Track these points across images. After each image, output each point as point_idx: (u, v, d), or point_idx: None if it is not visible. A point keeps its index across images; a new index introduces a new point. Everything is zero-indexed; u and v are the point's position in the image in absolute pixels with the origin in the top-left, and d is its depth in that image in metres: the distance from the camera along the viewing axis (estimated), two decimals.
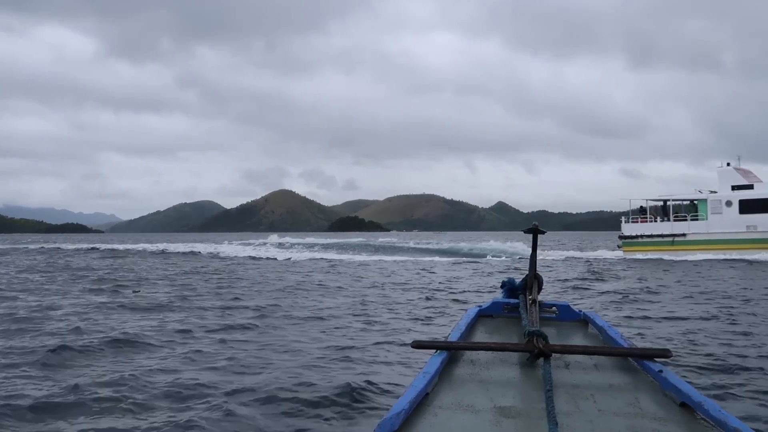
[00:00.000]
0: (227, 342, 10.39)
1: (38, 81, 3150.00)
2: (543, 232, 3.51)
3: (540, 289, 3.42)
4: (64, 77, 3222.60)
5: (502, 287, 3.63)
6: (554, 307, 3.40)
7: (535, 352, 2.48)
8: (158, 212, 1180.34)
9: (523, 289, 3.43)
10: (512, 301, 3.43)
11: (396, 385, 7.34)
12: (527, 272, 3.46)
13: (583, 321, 3.30)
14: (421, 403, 2.11)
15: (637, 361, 2.54)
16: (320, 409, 6.57)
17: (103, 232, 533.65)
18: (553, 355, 2.50)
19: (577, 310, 3.38)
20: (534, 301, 3.24)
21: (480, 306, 3.48)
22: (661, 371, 2.31)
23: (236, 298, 17.31)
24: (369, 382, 7.41)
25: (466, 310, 3.48)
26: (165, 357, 9.12)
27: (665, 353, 2.47)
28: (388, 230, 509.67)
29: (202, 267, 34.12)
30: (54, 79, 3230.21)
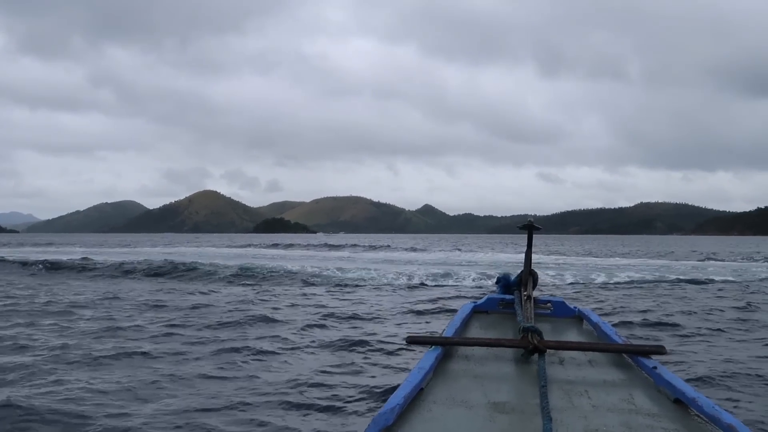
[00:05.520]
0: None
1: None
2: (539, 229, 3.54)
3: (535, 285, 3.44)
4: None
5: (497, 283, 3.64)
6: (549, 304, 3.43)
7: (530, 348, 2.48)
8: (78, 212, 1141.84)
9: (518, 285, 3.45)
10: (507, 297, 3.44)
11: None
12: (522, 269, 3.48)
13: (578, 317, 3.33)
14: (416, 398, 2.10)
15: (631, 357, 2.56)
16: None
17: (18, 232, 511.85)
18: (548, 351, 2.50)
19: (572, 307, 3.41)
20: (529, 297, 3.26)
21: (475, 302, 3.48)
22: (655, 368, 2.33)
23: None
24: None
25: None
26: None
27: (660, 350, 2.51)
28: (315, 232, 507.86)
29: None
30: None
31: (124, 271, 27.57)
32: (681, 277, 24.27)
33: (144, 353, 9.17)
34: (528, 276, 3.43)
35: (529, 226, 3.52)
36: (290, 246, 67.51)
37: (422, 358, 2.40)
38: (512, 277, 3.53)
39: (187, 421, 6.02)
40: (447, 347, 2.60)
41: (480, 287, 21.16)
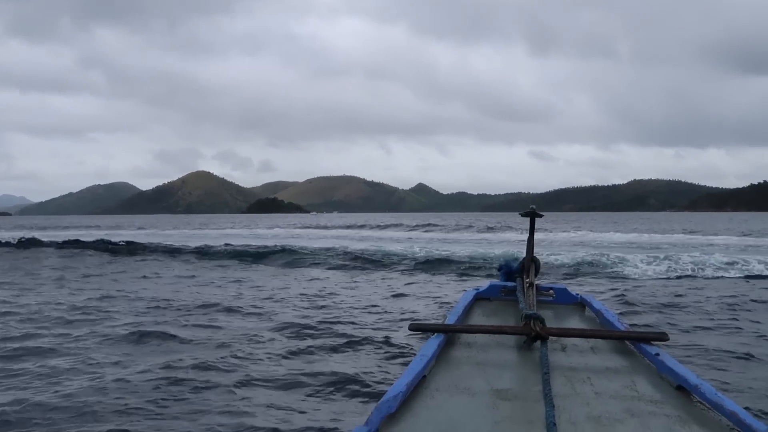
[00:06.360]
0: None
1: None
2: (540, 216, 3.53)
3: (537, 272, 3.44)
4: None
5: (499, 270, 3.64)
6: (551, 291, 3.42)
7: (532, 335, 2.48)
8: (71, 194, 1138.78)
9: (520, 272, 3.45)
10: (509, 284, 3.44)
11: None
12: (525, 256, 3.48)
13: (580, 304, 3.34)
14: (419, 385, 2.10)
15: (633, 344, 2.56)
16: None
17: (10, 214, 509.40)
18: (550, 337, 2.50)
19: (574, 294, 3.41)
20: (531, 284, 3.25)
21: (477, 289, 3.48)
22: (657, 354, 2.33)
23: None
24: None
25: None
26: None
27: (662, 336, 2.49)
28: (308, 212, 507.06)
29: None
30: None
31: (233, 255, 27.37)
32: None
33: None
34: (530, 263, 3.43)
35: (531, 213, 3.52)
36: (333, 227, 67.16)
37: (424, 345, 2.40)
38: (514, 264, 3.53)
39: None
40: (449, 334, 2.61)
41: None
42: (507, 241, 36.91)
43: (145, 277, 19.71)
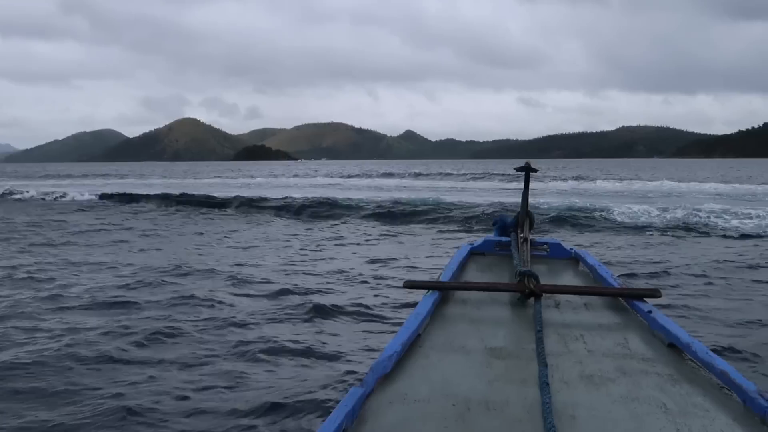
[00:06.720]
0: None
1: None
2: (535, 170, 3.51)
3: (532, 227, 3.44)
4: None
5: (494, 225, 3.64)
6: (545, 245, 3.43)
7: (526, 293, 2.50)
8: (56, 141, 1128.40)
9: (515, 227, 3.45)
10: (504, 239, 3.44)
11: None
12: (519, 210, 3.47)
13: (574, 259, 3.34)
14: (413, 344, 2.11)
15: (626, 301, 2.57)
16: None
17: None
18: (544, 294, 2.53)
19: (568, 248, 3.41)
20: (525, 239, 3.26)
21: (472, 244, 3.48)
22: (650, 312, 2.34)
23: None
24: None
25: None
26: None
27: (654, 293, 2.51)
28: (296, 159, 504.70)
29: None
30: None
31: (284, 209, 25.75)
32: None
33: None
34: (525, 217, 3.43)
35: (526, 168, 3.50)
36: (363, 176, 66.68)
37: (419, 303, 2.41)
38: (509, 219, 3.53)
39: None
40: (444, 291, 2.62)
41: None
42: None
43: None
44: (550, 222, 19.22)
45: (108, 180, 59.95)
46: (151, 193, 34.02)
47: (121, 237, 16.75)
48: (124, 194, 34.60)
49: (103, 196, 34.28)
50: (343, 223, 21.12)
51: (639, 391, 1.82)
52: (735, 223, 18.65)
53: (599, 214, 20.94)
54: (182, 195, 32.47)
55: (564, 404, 1.72)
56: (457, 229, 19.11)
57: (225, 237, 17.07)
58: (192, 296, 8.75)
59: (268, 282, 9.93)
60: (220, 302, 8.45)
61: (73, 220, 22.11)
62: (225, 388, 5.46)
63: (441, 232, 18.39)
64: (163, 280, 10.00)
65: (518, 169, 3.52)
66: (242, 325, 7.37)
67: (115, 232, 17.94)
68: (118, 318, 7.62)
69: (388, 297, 8.84)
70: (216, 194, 32.25)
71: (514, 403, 1.74)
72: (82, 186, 44.92)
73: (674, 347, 2.12)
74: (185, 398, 5.23)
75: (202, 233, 18.09)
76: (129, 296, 8.90)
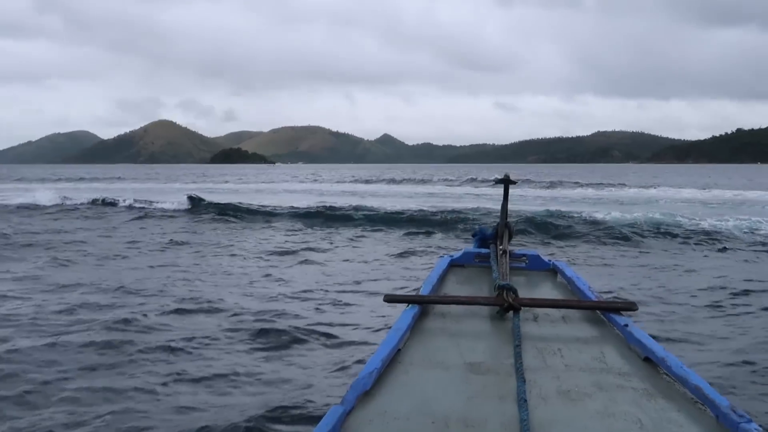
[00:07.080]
0: None
1: None
2: (514, 183, 3.55)
3: (511, 238, 3.48)
4: None
5: (473, 237, 3.67)
6: (524, 257, 3.46)
7: (505, 306, 2.53)
8: (30, 143, 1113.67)
9: (494, 238, 3.48)
10: (483, 251, 3.47)
11: None
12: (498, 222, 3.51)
13: (552, 271, 3.38)
14: (393, 359, 2.13)
15: (603, 314, 2.61)
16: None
17: None
18: (522, 307, 2.56)
19: (546, 260, 3.45)
20: (504, 251, 3.29)
21: (452, 255, 3.51)
22: (626, 325, 2.38)
23: None
24: None
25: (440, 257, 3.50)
26: None
27: (631, 306, 2.55)
28: (273, 163, 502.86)
29: None
30: None
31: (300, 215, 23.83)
32: None
33: None
34: (504, 229, 3.46)
35: (505, 180, 3.54)
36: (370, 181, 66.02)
37: (399, 317, 2.43)
38: (488, 231, 3.56)
39: None
40: (424, 305, 2.64)
41: None
42: None
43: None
44: (523, 233, 19.01)
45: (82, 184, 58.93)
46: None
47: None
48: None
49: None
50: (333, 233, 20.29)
51: (615, 406, 1.85)
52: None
53: (577, 217, 21.00)
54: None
55: (541, 421, 1.74)
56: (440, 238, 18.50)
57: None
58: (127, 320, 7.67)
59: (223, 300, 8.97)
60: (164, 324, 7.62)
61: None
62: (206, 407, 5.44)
63: (420, 241, 17.88)
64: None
65: (497, 181, 3.56)
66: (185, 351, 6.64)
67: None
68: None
69: (372, 310, 8.55)
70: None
71: (493, 420, 1.76)
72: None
73: (650, 361, 2.16)
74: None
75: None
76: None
